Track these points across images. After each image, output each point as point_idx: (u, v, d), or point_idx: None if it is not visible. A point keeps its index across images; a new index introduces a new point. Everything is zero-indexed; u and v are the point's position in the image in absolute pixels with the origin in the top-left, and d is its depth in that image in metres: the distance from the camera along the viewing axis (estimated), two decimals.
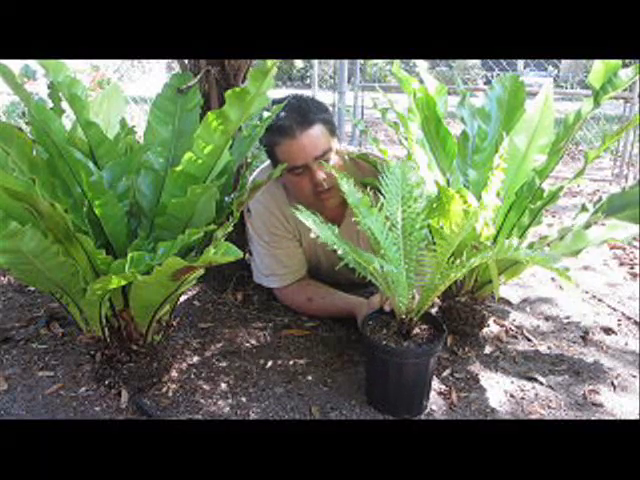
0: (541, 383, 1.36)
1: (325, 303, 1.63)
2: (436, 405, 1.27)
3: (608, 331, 1.66)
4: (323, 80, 10.52)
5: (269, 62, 1.09)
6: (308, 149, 1.41)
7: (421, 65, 1.62)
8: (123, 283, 1.07)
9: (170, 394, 1.28)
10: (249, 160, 1.58)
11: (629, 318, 1.74)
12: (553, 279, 2.05)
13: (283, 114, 1.40)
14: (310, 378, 1.36)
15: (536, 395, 1.31)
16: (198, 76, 1.49)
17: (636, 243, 2.45)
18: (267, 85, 1.09)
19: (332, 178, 1.47)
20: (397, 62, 1.58)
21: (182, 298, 1.71)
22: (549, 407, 1.27)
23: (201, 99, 1.36)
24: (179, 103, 1.34)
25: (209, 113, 1.12)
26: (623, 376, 1.41)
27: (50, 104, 1.30)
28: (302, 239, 1.65)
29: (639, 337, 1.62)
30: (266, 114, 1.30)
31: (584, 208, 1.42)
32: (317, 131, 1.42)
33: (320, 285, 1.67)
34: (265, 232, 1.61)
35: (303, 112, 1.42)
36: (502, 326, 1.65)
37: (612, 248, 2.43)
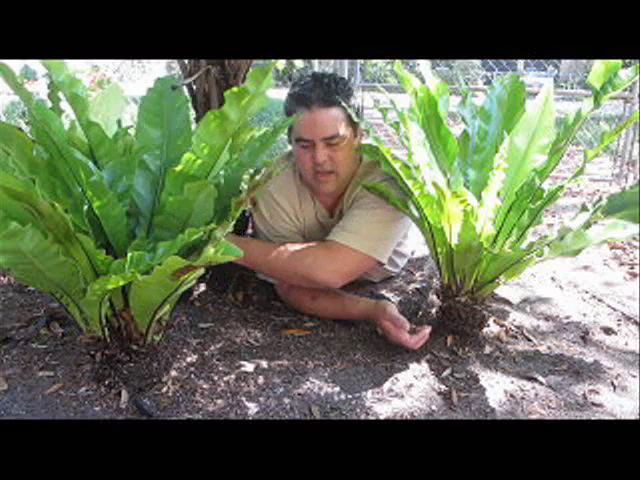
0: (541, 383, 1.36)
1: (332, 303, 1.61)
2: (436, 405, 1.27)
3: (608, 331, 1.66)
4: None
5: (273, 62, 1.10)
6: (318, 126, 1.42)
7: (423, 64, 1.62)
8: (123, 283, 1.07)
9: (170, 394, 1.28)
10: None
11: (629, 318, 1.74)
12: (553, 279, 2.05)
13: (310, 84, 1.42)
14: (310, 378, 1.36)
15: (536, 395, 1.31)
16: (194, 76, 1.49)
17: (636, 243, 2.45)
18: (266, 85, 1.09)
19: (334, 163, 1.46)
20: (398, 61, 1.58)
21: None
22: (549, 407, 1.27)
23: (188, 98, 1.36)
24: (165, 104, 1.34)
25: (209, 113, 1.12)
26: (623, 376, 1.41)
27: (50, 104, 1.31)
28: (305, 230, 1.65)
29: (639, 337, 1.62)
30: (279, 122, 1.29)
31: (584, 208, 1.42)
32: (334, 113, 1.42)
33: None
34: (271, 224, 1.60)
35: (328, 91, 1.42)
36: (502, 326, 1.65)
37: (612, 248, 2.43)
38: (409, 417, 1.22)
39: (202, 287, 1.80)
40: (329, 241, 1.52)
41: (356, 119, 1.43)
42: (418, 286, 1.90)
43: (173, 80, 1.37)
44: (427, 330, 1.44)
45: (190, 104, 1.41)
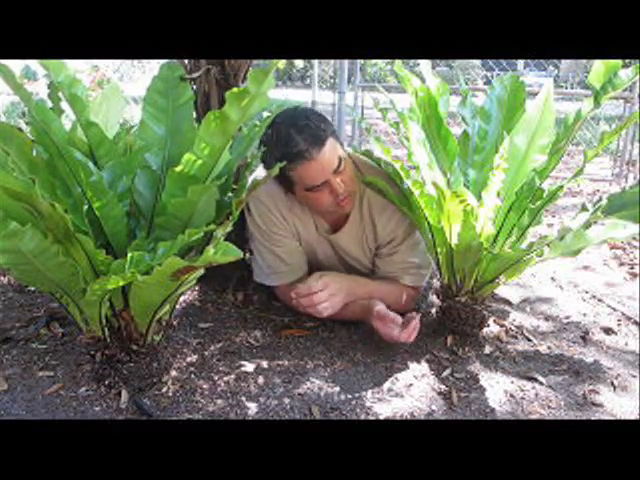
0: (541, 383, 1.36)
1: None
2: (436, 405, 1.27)
3: (608, 331, 1.66)
4: (323, 80, 10.51)
5: (275, 62, 1.09)
6: (327, 166, 1.41)
7: (423, 64, 1.62)
8: (123, 283, 1.07)
9: (170, 394, 1.28)
10: (248, 160, 1.58)
11: (629, 318, 1.74)
12: (553, 279, 2.05)
13: (292, 136, 1.38)
14: (310, 378, 1.36)
15: (536, 395, 1.31)
16: (194, 75, 1.49)
17: (636, 243, 2.45)
18: (267, 85, 1.09)
19: (348, 184, 1.47)
20: (398, 61, 1.59)
21: (182, 298, 1.71)
22: (549, 407, 1.27)
23: (193, 95, 1.36)
24: (170, 98, 1.33)
25: (209, 113, 1.11)
26: (623, 376, 1.41)
27: (50, 104, 1.30)
28: (300, 239, 1.65)
29: (639, 337, 1.62)
30: (266, 114, 1.29)
31: (584, 208, 1.42)
32: (330, 146, 1.41)
33: None
34: (265, 230, 1.61)
35: (313, 132, 1.39)
36: (502, 326, 1.65)
37: (612, 248, 2.43)
38: (409, 417, 1.22)
39: (202, 287, 1.80)
40: (405, 285, 1.62)
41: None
42: None
43: (178, 67, 1.36)
44: (415, 320, 1.43)
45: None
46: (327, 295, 1.48)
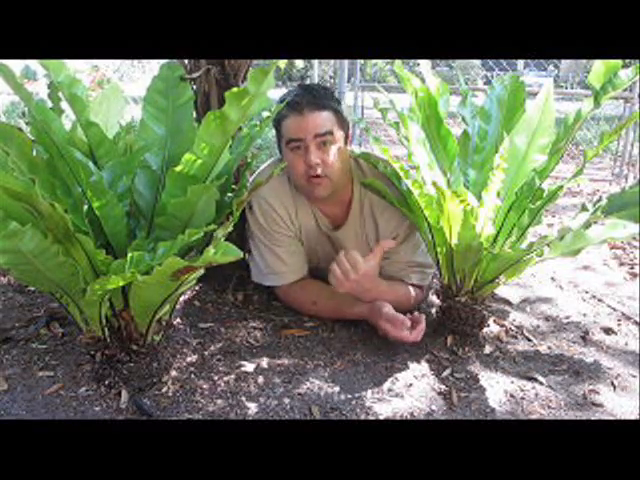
0: (541, 383, 1.36)
1: (330, 305, 1.62)
2: (436, 405, 1.27)
3: (608, 331, 1.66)
4: (323, 80, 10.51)
5: (275, 62, 1.10)
6: (310, 126, 1.43)
7: (423, 64, 1.62)
8: (123, 283, 1.07)
9: (170, 394, 1.28)
10: (249, 160, 1.58)
11: (629, 318, 1.74)
12: (553, 279, 2.05)
13: (299, 92, 1.47)
14: (310, 378, 1.36)
15: (536, 395, 1.31)
16: (194, 76, 1.49)
17: (636, 243, 2.45)
18: (267, 85, 1.09)
19: (327, 166, 1.46)
20: (398, 61, 1.59)
21: (182, 298, 1.71)
22: (549, 407, 1.27)
23: (193, 95, 1.36)
24: (171, 98, 1.34)
25: (209, 113, 1.12)
26: (623, 376, 1.41)
27: (50, 104, 1.31)
28: (302, 237, 1.65)
29: (639, 337, 1.62)
30: (266, 114, 1.30)
31: (584, 208, 1.42)
32: (325, 115, 1.45)
33: (324, 286, 1.66)
34: (267, 229, 1.61)
35: (316, 96, 1.46)
36: (502, 326, 1.65)
37: (612, 248, 2.43)
38: (409, 417, 1.22)
39: (202, 287, 1.80)
40: (411, 285, 1.64)
41: (348, 115, 1.49)
42: None
43: (178, 67, 1.36)
44: (423, 322, 1.45)
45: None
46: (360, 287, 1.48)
